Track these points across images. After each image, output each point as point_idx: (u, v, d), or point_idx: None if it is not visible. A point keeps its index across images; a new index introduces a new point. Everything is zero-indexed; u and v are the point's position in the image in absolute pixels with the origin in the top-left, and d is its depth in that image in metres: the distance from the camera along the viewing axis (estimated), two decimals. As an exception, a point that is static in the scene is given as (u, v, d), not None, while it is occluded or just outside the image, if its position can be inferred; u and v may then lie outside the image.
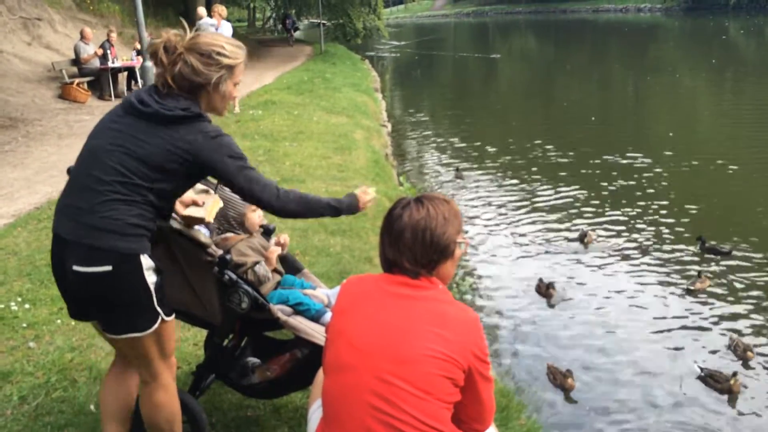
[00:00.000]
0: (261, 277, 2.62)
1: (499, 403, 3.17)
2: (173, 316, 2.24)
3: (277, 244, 2.91)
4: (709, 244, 6.59)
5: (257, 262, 2.64)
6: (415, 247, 1.84)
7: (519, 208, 8.37)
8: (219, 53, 2.14)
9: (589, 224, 7.55)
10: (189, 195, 2.43)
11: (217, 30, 11.00)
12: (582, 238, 6.94)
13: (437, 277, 1.91)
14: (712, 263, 6.33)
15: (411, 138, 13.43)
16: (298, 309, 2.62)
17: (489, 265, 6.59)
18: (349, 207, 2.53)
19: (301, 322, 2.52)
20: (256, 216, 2.80)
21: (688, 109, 16.14)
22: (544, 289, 5.75)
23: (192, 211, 2.44)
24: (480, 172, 10.23)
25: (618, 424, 4.13)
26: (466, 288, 6.03)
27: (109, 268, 2.02)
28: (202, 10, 11.81)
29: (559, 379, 4.47)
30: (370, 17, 32.29)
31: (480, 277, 6.34)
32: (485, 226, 7.78)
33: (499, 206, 8.48)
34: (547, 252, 6.83)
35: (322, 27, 28.63)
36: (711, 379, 4.44)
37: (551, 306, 5.63)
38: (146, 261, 2.09)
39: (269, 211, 2.33)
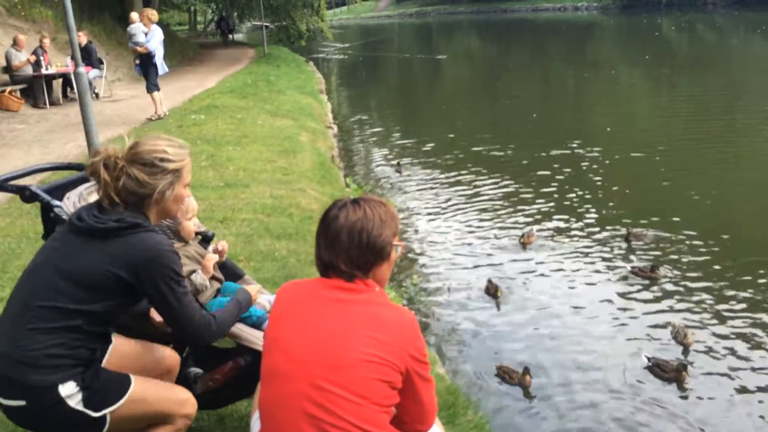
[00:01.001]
0: (198, 286, 2.58)
1: (446, 401, 3.20)
2: (127, 395, 2.05)
3: (215, 251, 2.86)
4: (633, 234, 6.82)
5: (193, 271, 2.59)
6: (351, 248, 1.83)
7: (464, 205, 8.46)
8: (162, 159, 2.04)
9: (531, 219, 7.70)
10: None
11: (146, 35, 10.81)
12: (521, 238, 6.95)
13: (373, 280, 1.91)
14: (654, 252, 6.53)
15: (357, 139, 13.44)
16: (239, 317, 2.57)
17: (435, 265, 6.64)
18: (247, 303, 2.48)
19: (242, 330, 2.49)
20: (192, 224, 2.74)
21: (625, 104, 16.65)
22: (493, 291, 5.74)
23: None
24: (426, 170, 10.30)
25: (569, 418, 4.18)
26: (413, 289, 6.06)
27: (22, 402, 1.90)
28: (134, 15, 11.51)
29: (516, 377, 4.51)
30: (313, 19, 32.14)
31: (426, 276, 6.39)
32: (430, 223, 7.86)
33: (444, 203, 8.57)
34: (492, 249, 6.90)
35: (264, 29, 28.33)
36: (658, 369, 4.53)
37: (498, 307, 5.66)
38: (67, 388, 1.92)
39: (193, 341, 2.32)
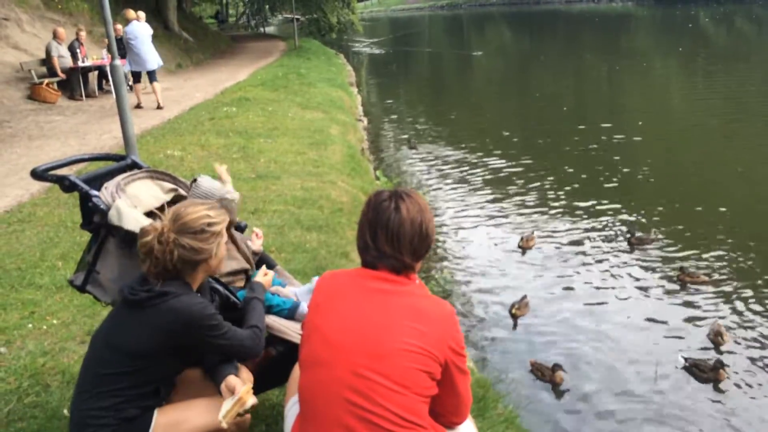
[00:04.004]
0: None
1: (476, 393, 3.19)
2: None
3: (255, 238, 2.94)
4: (637, 236, 6.62)
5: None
6: (414, 240, 1.87)
7: (494, 199, 8.42)
8: (210, 224, 2.17)
9: (560, 214, 7.63)
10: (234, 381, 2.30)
11: (136, 38, 11.63)
12: (520, 241, 6.74)
13: (415, 271, 1.93)
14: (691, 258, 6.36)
15: (388, 132, 13.42)
16: (272, 311, 2.60)
17: (465, 257, 6.62)
18: (263, 291, 2.59)
19: (274, 320, 2.51)
20: (232, 214, 2.78)
21: (657, 98, 16.34)
22: (520, 306, 5.39)
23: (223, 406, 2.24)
24: (454, 163, 10.25)
25: (603, 415, 4.13)
26: (444, 281, 6.04)
27: None
28: (131, 12, 11.97)
29: (547, 374, 4.47)
30: (344, 11, 32.18)
31: (457, 268, 6.36)
32: (460, 215, 7.84)
33: (475, 197, 8.54)
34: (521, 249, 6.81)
35: (296, 22, 28.44)
36: (696, 369, 4.45)
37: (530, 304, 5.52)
38: None
39: (249, 358, 2.37)
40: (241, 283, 2.73)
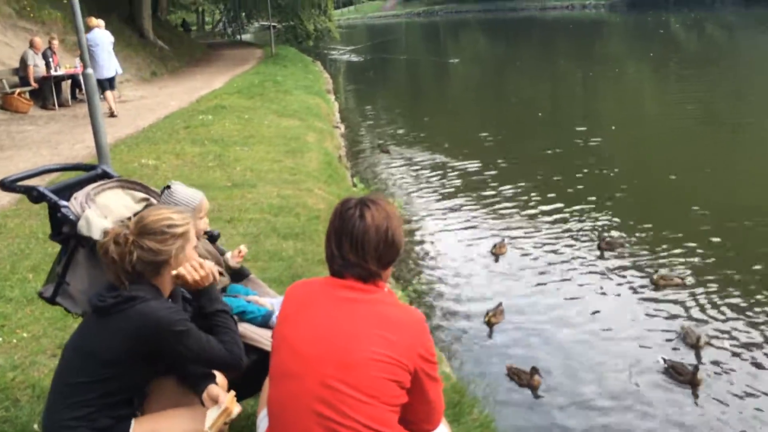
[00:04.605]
0: None
1: (452, 399, 3.20)
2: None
3: (234, 256, 2.92)
4: (607, 240, 6.66)
5: None
6: (380, 247, 1.85)
7: (469, 204, 8.47)
8: (170, 226, 2.16)
9: (535, 219, 7.69)
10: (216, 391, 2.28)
11: (97, 45, 11.69)
12: (493, 248, 6.72)
13: (383, 279, 1.92)
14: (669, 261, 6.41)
15: (365, 139, 13.44)
16: (244, 318, 2.59)
17: (442, 264, 6.64)
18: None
19: (246, 328, 2.50)
20: (203, 223, 2.77)
21: (629, 103, 16.59)
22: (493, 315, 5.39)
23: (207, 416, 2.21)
24: (431, 169, 10.29)
25: (578, 419, 4.15)
26: (420, 287, 6.05)
27: None
28: (92, 20, 12.08)
29: (525, 378, 4.48)
30: (320, 19, 32.30)
31: (433, 275, 6.38)
32: (436, 221, 7.88)
33: (450, 203, 8.59)
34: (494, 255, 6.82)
35: (272, 29, 28.40)
36: (673, 371, 4.47)
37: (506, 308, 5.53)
38: None
39: (228, 370, 2.32)
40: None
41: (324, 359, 1.76)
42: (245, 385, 2.58)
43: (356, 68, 29.90)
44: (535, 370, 4.50)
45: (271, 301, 2.78)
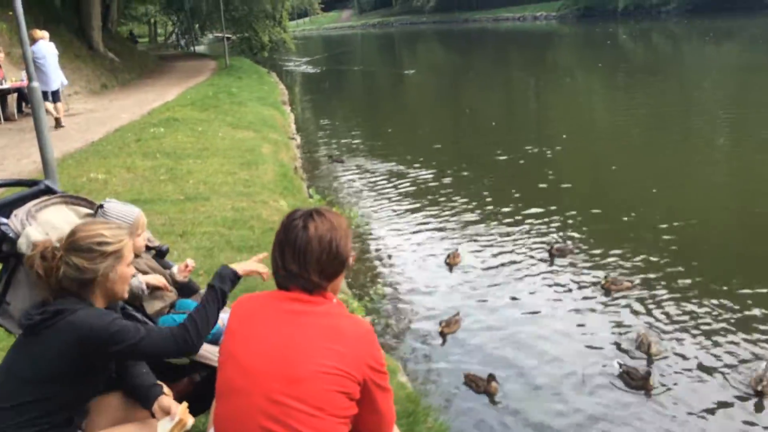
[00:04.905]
0: (134, 289, 2.54)
1: (406, 408, 3.21)
2: None
3: (181, 270, 2.87)
4: (557, 247, 6.77)
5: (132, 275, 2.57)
6: (323, 258, 1.84)
7: (425, 213, 8.52)
8: (100, 243, 2.08)
9: (489, 226, 7.77)
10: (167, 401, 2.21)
11: (43, 57, 11.63)
12: (447, 258, 6.73)
13: (332, 290, 1.92)
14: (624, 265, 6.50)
15: (321, 150, 13.42)
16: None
17: (399, 273, 6.66)
18: (232, 274, 2.38)
19: (195, 346, 2.46)
20: (141, 239, 2.72)
21: (579, 111, 16.98)
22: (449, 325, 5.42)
23: (161, 427, 2.19)
24: (388, 180, 10.34)
25: (536, 423, 4.19)
26: (377, 297, 6.06)
27: None
28: (37, 32, 11.99)
29: (482, 385, 4.51)
30: (275, 30, 32.20)
31: (390, 284, 6.39)
32: (393, 231, 7.91)
33: (406, 212, 8.63)
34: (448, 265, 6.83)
35: (226, 41, 28.17)
36: (627, 375, 4.54)
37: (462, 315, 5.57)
38: None
39: (182, 356, 2.21)
40: (162, 307, 2.67)
41: (270, 374, 1.74)
42: (195, 402, 2.54)
43: (312, 79, 29.87)
44: (492, 377, 4.53)
45: (222, 317, 2.74)
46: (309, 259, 1.83)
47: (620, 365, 4.66)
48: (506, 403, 4.43)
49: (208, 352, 2.46)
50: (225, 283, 2.30)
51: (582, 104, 18.17)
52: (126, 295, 2.23)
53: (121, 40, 30.15)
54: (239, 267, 2.39)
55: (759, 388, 4.31)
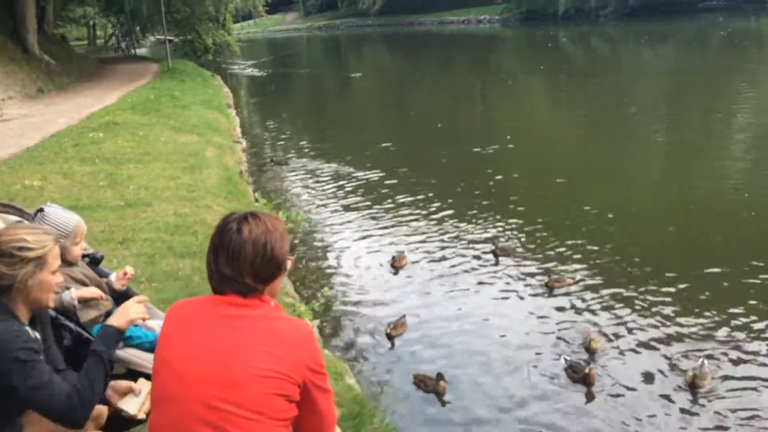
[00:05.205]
0: (66, 304, 2.46)
1: (352, 410, 3.22)
2: None
3: (119, 278, 2.79)
4: (501, 246, 6.88)
5: (67, 288, 2.49)
6: (257, 261, 1.82)
7: (372, 216, 8.55)
8: (21, 248, 1.99)
9: (432, 228, 7.83)
10: (123, 382, 2.11)
11: None
12: (392, 261, 6.73)
13: (269, 294, 1.90)
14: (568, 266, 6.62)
15: (268, 153, 13.29)
16: (131, 343, 2.50)
17: (346, 276, 6.66)
18: (116, 334, 2.17)
19: (130, 354, 2.42)
20: (79, 248, 2.65)
21: (522, 113, 17.30)
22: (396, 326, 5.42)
23: (126, 405, 2.12)
24: (333, 183, 10.32)
25: (484, 420, 4.25)
26: (325, 300, 6.04)
27: None
28: None
29: (431, 384, 4.55)
30: (219, 32, 31.74)
31: (337, 287, 6.39)
32: (339, 234, 7.90)
33: (353, 215, 8.63)
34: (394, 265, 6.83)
35: (168, 44, 27.59)
36: (570, 370, 4.65)
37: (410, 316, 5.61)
38: None
39: (67, 426, 2.02)
40: (96, 316, 2.60)
41: (206, 380, 1.72)
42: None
43: (258, 82, 29.55)
44: (440, 376, 4.58)
45: (159, 323, 2.69)
46: (243, 262, 1.81)
47: (566, 360, 4.77)
48: (455, 402, 4.48)
49: (145, 360, 2.41)
50: (111, 347, 2.12)
51: (525, 106, 18.56)
52: (52, 304, 2.15)
53: (58, 42, 29.15)
54: (119, 322, 2.19)
55: (695, 382, 4.45)
